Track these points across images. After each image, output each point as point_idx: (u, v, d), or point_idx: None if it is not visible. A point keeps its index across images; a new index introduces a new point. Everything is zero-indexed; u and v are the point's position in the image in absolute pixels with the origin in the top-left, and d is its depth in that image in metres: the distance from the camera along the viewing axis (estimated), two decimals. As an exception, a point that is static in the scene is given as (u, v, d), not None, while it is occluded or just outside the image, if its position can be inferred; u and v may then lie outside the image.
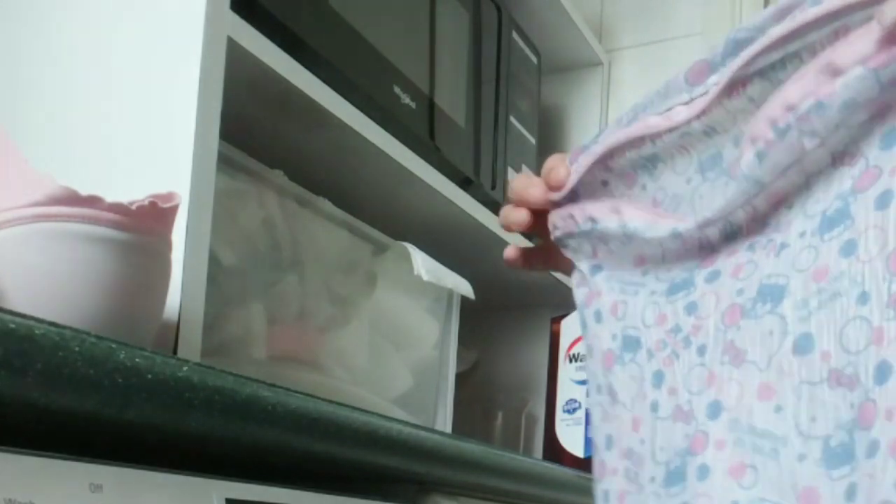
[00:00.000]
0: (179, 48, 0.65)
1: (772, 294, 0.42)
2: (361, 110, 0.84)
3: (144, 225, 0.53)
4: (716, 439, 0.44)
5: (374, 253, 0.94)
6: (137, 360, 0.46)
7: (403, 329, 0.98)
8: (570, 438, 1.26)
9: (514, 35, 1.24)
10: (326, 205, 0.86)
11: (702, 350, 0.45)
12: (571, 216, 0.55)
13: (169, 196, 0.56)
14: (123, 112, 0.67)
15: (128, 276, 0.53)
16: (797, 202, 0.43)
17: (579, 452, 1.24)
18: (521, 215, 0.59)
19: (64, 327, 0.43)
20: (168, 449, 0.55)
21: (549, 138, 1.52)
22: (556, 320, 1.33)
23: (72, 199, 0.51)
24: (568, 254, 0.56)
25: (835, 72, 0.39)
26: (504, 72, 1.19)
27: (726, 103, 0.46)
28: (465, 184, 1.06)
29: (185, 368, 0.49)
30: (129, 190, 0.57)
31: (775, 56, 0.43)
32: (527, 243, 0.64)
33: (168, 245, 0.56)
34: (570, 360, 1.28)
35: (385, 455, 0.67)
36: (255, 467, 0.64)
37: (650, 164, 0.52)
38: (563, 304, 1.31)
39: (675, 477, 0.46)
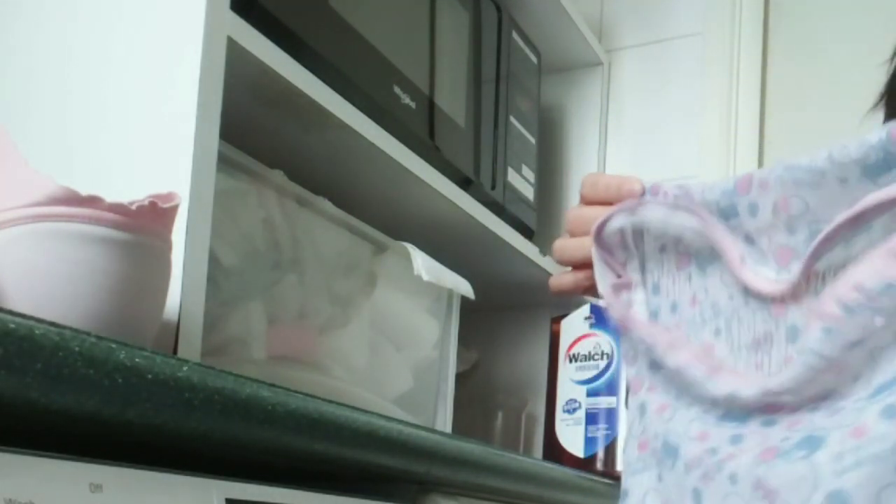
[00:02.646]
0: (179, 48, 0.65)
1: (810, 443, 0.43)
2: (361, 110, 0.84)
3: (144, 225, 0.53)
4: None
5: (374, 253, 0.94)
6: (137, 360, 0.46)
7: (403, 329, 0.97)
8: (570, 438, 1.26)
9: (514, 35, 1.24)
10: (326, 205, 0.86)
11: (733, 479, 0.45)
12: (626, 319, 0.55)
13: (169, 196, 0.56)
14: (123, 112, 0.67)
15: (128, 276, 0.52)
16: (863, 376, 0.44)
17: (579, 452, 1.24)
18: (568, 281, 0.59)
19: (64, 327, 0.43)
20: (168, 449, 0.55)
21: (549, 138, 1.52)
22: (556, 320, 1.33)
23: (72, 199, 0.51)
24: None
25: None
26: (504, 72, 1.19)
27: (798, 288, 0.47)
28: (465, 184, 1.06)
29: (185, 368, 0.49)
30: (129, 190, 0.57)
31: (839, 242, 0.45)
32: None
33: (168, 245, 0.56)
34: (570, 360, 1.28)
35: (385, 455, 0.67)
36: (255, 467, 0.64)
37: (706, 261, 0.52)
38: (563, 304, 1.31)
39: None
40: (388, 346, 0.95)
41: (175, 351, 0.60)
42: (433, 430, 0.76)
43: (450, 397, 1.04)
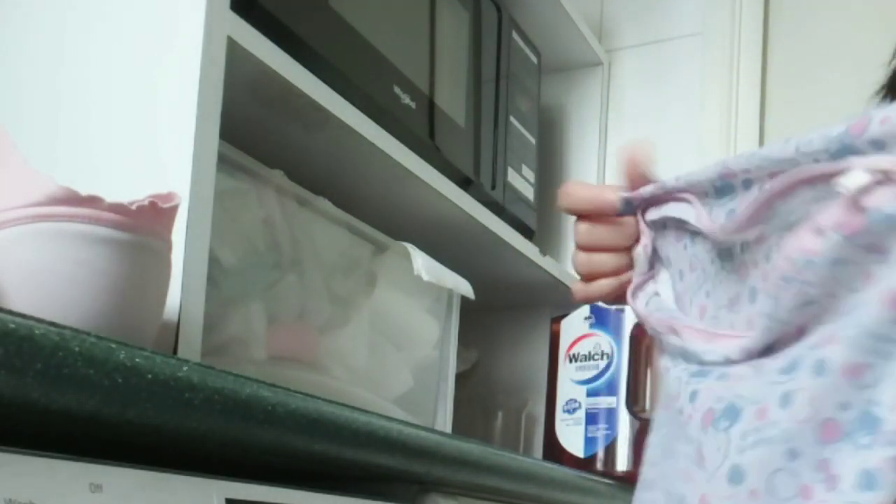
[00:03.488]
0: (179, 48, 0.65)
1: (731, 414, 0.45)
2: (361, 110, 0.84)
3: (144, 225, 0.53)
4: None
5: (374, 253, 0.94)
6: (137, 360, 0.46)
7: (403, 329, 0.97)
8: (570, 438, 1.26)
9: (514, 35, 1.24)
10: (326, 205, 0.86)
11: (689, 440, 0.48)
12: (645, 318, 0.57)
13: (169, 196, 0.56)
14: (123, 112, 0.67)
15: (128, 276, 0.53)
16: (807, 329, 0.45)
17: (579, 452, 1.24)
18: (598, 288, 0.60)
19: (64, 327, 0.43)
20: (168, 449, 0.55)
21: (549, 138, 1.52)
22: (556, 320, 1.33)
23: (72, 199, 0.51)
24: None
25: (819, 232, 0.42)
26: (504, 72, 1.19)
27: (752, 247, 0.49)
28: (465, 184, 1.06)
29: (185, 368, 0.49)
30: (129, 190, 0.57)
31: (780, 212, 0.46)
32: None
33: (168, 245, 0.56)
34: (570, 360, 1.29)
35: (385, 455, 0.67)
36: (255, 467, 0.64)
37: (695, 230, 0.54)
38: (563, 304, 1.31)
39: None
40: (388, 346, 0.95)
41: (175, 351, 0.60)
42: (433, 430, 0.76)
43: (450, 397, 1.04)
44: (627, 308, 0.59)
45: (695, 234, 0.54)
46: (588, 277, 0.60)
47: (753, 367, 0.47)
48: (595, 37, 1.53)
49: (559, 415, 1.28)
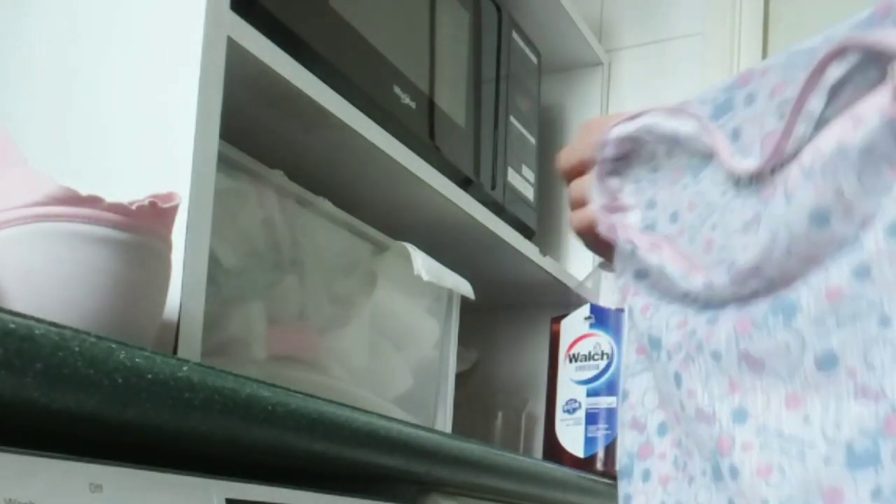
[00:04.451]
0: (179, 48, 0.65)
1: (783, 308, 0.44)
2: (361, 110, 0.84)
3: (144, 225, 0.53)
4: (742, 442, 0.46)
5: (374, 253, 0.94)
6: (137, 360, 0.46)
7: (403, 329, 0.98)
8: (570, 438, 1.26)
9: (514, 35, 1.24)
10: (326, 205, 0.86)
11: (716, 355, 0.47)
12: (613, 227, 0.57)
13: (169, 196, 0.56)
14: (123, 112, 0.67)
15: (128, 276, 0.53)
16: (820, 258, 0.44)
17: (579, 452, 1.24)
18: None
19: (64, 327, 0.43)
20: (168, 449, 0.55)
21: (549, 138, 1.52)
22: (556, 320, 1.33)
23: (72, 199, 0.51)
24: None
25: (858, 121, 0.42)
26: (504, 72, 1.19)
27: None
28: (465, 184, 1.06)
29: (185, 368, 0.49)
30: (129, 190, 0.57)
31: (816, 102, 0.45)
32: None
33: (168, 245, 0.56)
34: (570, 360, 1.28)
35: (385, 455, 0.67)
36: (255, 467, 0.64)
37: (700, 164, 0.54)
38: (563, 304, 1.31)
39: (717, 474, 0.48)
40: (388, 346, 0.95)
41: (175, 351, 0.60)
42: (433, 430, 0.76)
43: (450, 397, 1.04)
44: (628, 308, 0.59)
45: (697, 171, 0.54)
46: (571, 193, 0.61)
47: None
48: (595, 37, 1.53)
49: (559, 415, 1.28)
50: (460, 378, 1.13)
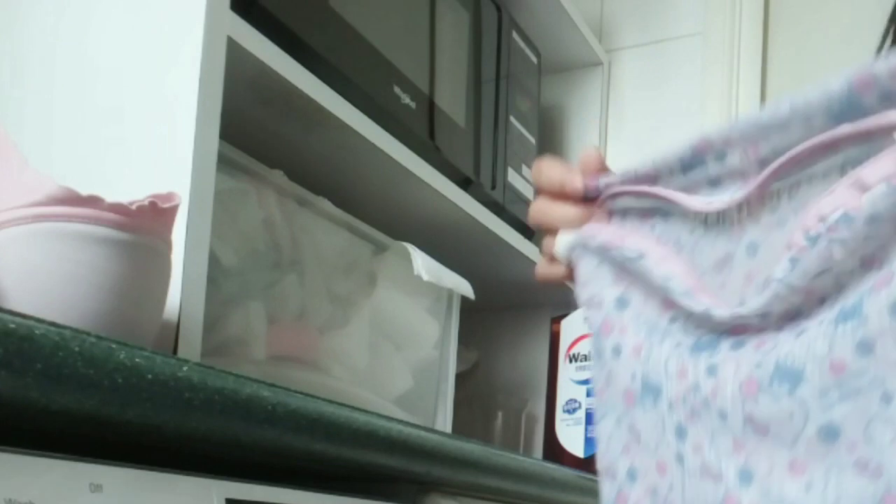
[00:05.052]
0: (179, 48, 0.65)
1: (788, 376, 0.44)
2: (361, 110, 0.84)
3: (144, 225, 0.53)
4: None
5: (374, 253, 0.94)
6: (137, 360, 0.46)
7: (403, 329, 0.98)
8: (570, 438, 1.26)
9: (514, 35, 1.24)
10: (326, 205, 0.86)
11: (723, 415, 0.47)
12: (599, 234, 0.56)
13: (169, 196, 0.56)
14: (123, 112, 0.67)
15: (128, 276, 0.53)
16: (829, 299, 0.45)
17: (579, 452, 1.24)
18: (556, 270, 0.60)
19: (64, 327, 0.43)
20: (168, 449, 0.55)
21: (549, 138, 1.52)
22: (556, 320, 1.33)
23: (72, 199, 0.51)
24: (584, 269, 0.57)
25: (862, 187, 0.42)
26: (504, 72, 1.19)
27: (753, 205, 0.49)
28: (465, 184, 1.06)
29: (185, 368, 0.49)
30: (129, 190, 0.57)
31: (801, 170, 0.46)
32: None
33: (168, 245, 0.56)
34: (570, 360, 1.28)
35: (385, 455, 0.67)
36: (255, 467, 0.64)
37: (667, 212, 0.54)
38: (563, 304, 1.31)
39: None
40: (388, 346, 0.95)
41: (175, 351, 0.60)
42: (433, 430, 0.76)
43: (450, 397, 1.04)
44: (610, 347, 0.58)
45: (667, 213, 0.54)
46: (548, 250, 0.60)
47: (785, 330, 0.46)
48: (595, 37, 1.53)
49: (559, 415, 1.28)
50: (460, 378, 1.13)
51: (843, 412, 0.42)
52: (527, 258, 1.22)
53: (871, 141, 0.43)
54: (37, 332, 0.41)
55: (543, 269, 0.61)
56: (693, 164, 0.51)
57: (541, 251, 0.61)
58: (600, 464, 0.55)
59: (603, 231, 0.56)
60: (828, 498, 0.43)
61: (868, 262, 0.43)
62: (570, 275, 0.59)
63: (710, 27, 1.50)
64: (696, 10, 1.53)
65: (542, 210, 0.59)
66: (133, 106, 0.67)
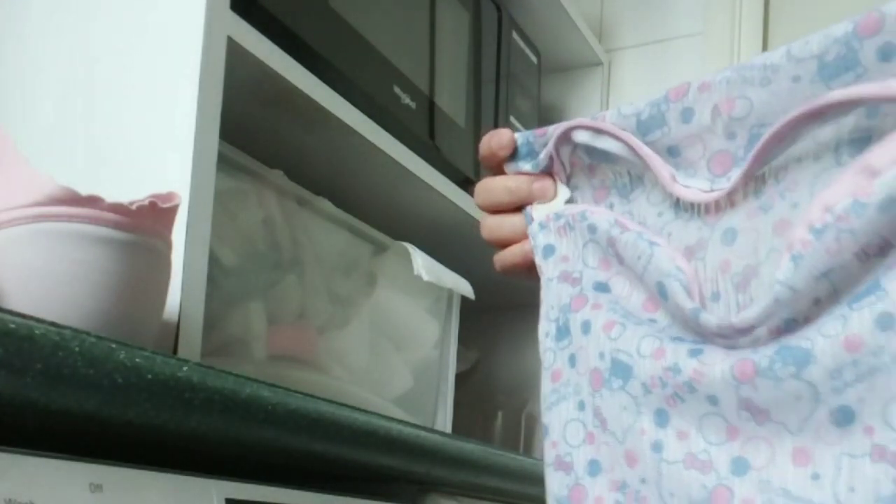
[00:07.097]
0: (179, 48, 0.65)
1: (794, 357, 0.41)
2: (361, 110, 0.84)
3: (144, 225, 0.53)
4: (742, 497, 0.42)
5: (374, 253, 0.94)
6: (137, 360, 0.46)
7: (403, 329, 0.97)
8: (570, 438, 1.25)
9: (514, 35, 1.24)
10: (326, 205, 0.86)
11: (713, 400, 0.43)
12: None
13: (169, 196, 0.56)
14: (123, 112, 0.67)
15: (128, 276, 0.53)
16: (825, 301, 0.42)
17: (579, 452, 1.24)
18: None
19: (64, 327, 0.43)
20: (168, 449, 0.55)
21: (549, 138, 1.52)
22: (556, 320, 1.33)
23: (72, 199, 0.51)
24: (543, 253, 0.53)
25: (872, 173, 0.39)
26: (504, 72, 1.19)
27: (736, 195, 0.46)
28: (465, 184, 1.06)
29: (185, 368, 0.49)
30: (129, 190, 0.57)
31: (787, 146, 0.43)
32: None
33: (168, 245, 0.56)
34: (570, 360, 1.28)
35: (385, 455, 0.67)
36: (255, 467, 0.64)
37: (629, 186, 0.50)
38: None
39: None
40: (388, 346, 0.95)
41: (175, 351, 0.60)
42: (433, 430, 0.76)
43: (450, 397, 1.04)
44: (579, 322, 0.53)
45: (625, 191, 0.50)
46: (494, 241, 0.56)
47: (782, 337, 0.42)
48: (595, 37, 1.53)
49: (559, 415, 1.27)
50: (460, 378, 1.13)
51: (858, 393, 0.39)
52: (527, 258, 1.22)
53: (859, 106, 0.40)
54: (37, 332, 0.41)
55: (507, 255, 0.55)
56: (654, 125, 0.47)
57: (486, 234, 0.56)
58: (549, 455, 0.50)
59: (597, 212, 0.51)
60: (839, 488, 0.39)
61: (872, 254, 0.40)
62: (533, 265, 0.54)
63: (710, 27, 1.50)
64: (696, 10, 1.53)
65: (491, 224, 0.55)
66: (133, 105, 0.67)
